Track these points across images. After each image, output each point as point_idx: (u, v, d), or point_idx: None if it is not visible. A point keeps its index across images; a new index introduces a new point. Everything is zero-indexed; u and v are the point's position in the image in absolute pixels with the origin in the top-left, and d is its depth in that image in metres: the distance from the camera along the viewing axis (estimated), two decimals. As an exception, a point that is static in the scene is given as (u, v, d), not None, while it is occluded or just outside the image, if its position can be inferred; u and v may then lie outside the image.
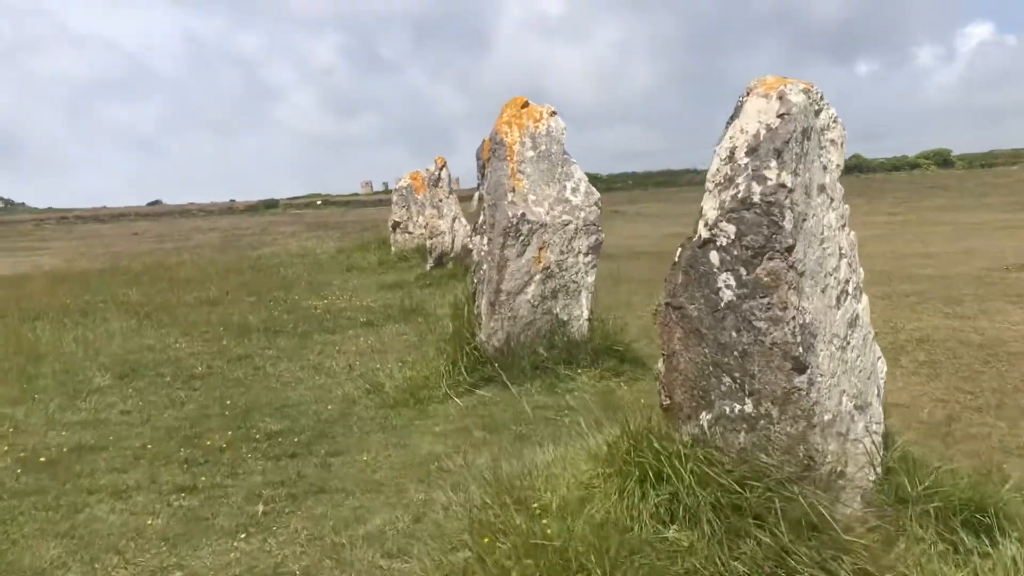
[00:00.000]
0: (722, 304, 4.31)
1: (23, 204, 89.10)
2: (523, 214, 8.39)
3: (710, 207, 4.37)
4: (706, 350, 4.44)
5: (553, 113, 8.92)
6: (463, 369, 8.24)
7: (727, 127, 4.48)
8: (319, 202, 67.08)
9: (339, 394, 8.33)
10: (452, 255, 16.66)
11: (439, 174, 16.74)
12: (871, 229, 24.33)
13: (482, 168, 9.19)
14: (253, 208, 69.76)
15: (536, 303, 8.44)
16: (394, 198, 21.20)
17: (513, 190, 8.51)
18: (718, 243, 4.30)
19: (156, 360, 10.09)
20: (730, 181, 4.27)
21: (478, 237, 9.17)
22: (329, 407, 7.88)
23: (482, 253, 8.94)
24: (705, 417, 4.49)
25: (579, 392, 7.81)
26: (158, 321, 12.68)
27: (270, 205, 68.71)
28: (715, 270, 4.32)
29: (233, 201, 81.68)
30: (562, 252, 8.53)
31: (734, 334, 4.28)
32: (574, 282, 8.60)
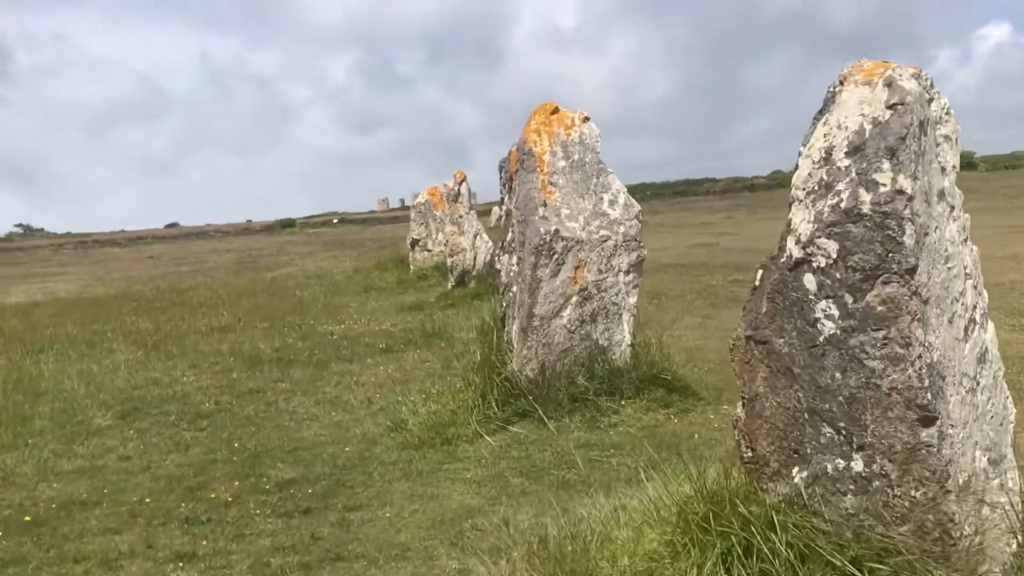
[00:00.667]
0: (821, 339, 3.51)
1: (42, 230, 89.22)
2: (556, 230, 7.60)
3: (802, 220, 3.57)
4: (800, 394, 3.63)
5: (586, 119, 8.14)
6: (494, 402, 7.45)
7: (815, 124, 3.68)
8: (335, 220, 66.68)
9: (357, 433, 7.55)
10: (474, 273, 15.90)
11: (458, 189, 16.01)
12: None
13: (508, 181, 8.42)
14: (270, 228, 69.44)
15: (573, 328, 7.64)
16: (412, 215, 20.50)
17: (544, 204, 7.72)
18: (815, 264, 3.50)
19: (161, 396, 9.36)
20: (828, 188, 3.47)
21: (506, 256, 8.40)
22: (347, 449, 7.10)
23: (511, 274, 8.16)
24: (799, 475, 3.68)
25: (624, 427, 7.02)
26: (166, 352, 11.97)
27: (287, 225, 68.37)
28: (811, 297, 3.53)
29: (250, 221, 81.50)
30: (600, 271, 7.73)
31: (837, 375, 3.47)
32: (614, 304, 7.79)
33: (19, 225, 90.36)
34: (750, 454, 3.91)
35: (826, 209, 3.46)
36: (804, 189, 3.60)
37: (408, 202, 55.40)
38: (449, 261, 15.99)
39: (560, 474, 6.05)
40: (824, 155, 3.54)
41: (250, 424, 8.12)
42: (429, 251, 19.98)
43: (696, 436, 6.69)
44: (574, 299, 7.64)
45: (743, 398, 3.93)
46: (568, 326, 7.62)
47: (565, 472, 6.07)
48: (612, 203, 7.88)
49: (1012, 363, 8.36)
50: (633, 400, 7.41)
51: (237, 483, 6.38)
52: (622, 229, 7.83)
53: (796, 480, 3.70)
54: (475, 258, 15.89)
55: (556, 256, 7.58)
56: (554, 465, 6.24)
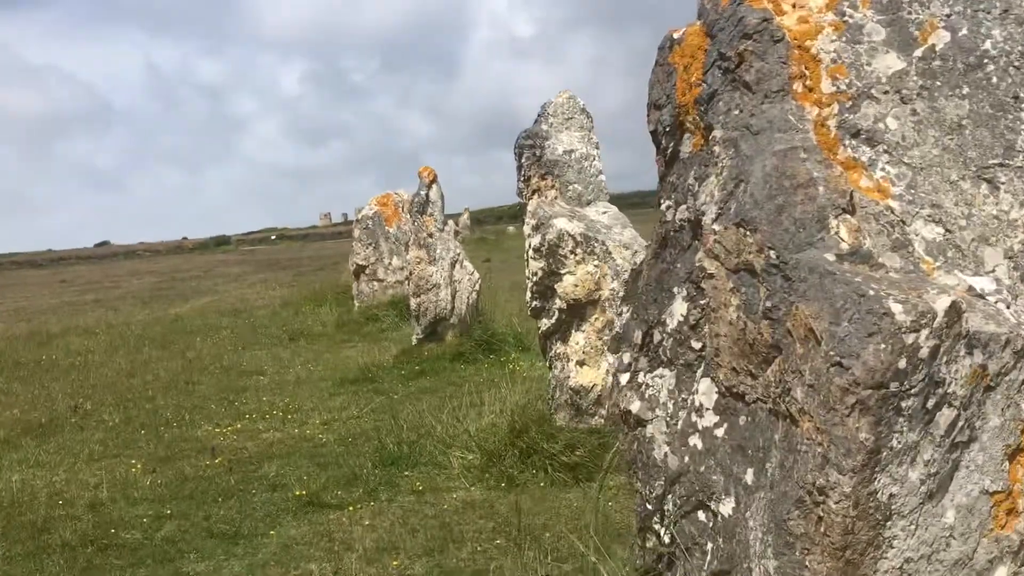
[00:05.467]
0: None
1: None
2: (955, 304, 1.83)
3: None
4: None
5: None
6: None
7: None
8: (274, 237, 60.15)
9: None
10: (452, 320, 10.05)
11: (426, 195, 10.12)
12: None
13: (668, 150, 2.60)
14: (203, 246, 62.58)
15: None
16: (356, 232, 14.55)
17: (848, 202, 1.96)
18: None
19: None
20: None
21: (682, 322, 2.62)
22: None
23: (674, 397, 2.37)
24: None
25: None
26: None
27: (221, 242, 61.60)
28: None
29: (184, 239, 74.42)
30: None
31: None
32: None
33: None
34: None
35: None
36: None
37: (352, 217, 49.10)
38: (414, 302, 10.09)
39: None
40: None
41: None
42: (380, 281, 14.04)
43: None
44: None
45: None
46: None
47: None
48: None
49: None
50: None
51: None
52: None
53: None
54: (453, 297, 10.04)
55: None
56: None
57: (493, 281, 15.59)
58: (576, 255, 5.79)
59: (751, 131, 2.16)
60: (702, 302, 2.31)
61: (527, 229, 6.12)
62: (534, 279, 5.97)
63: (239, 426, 7.62)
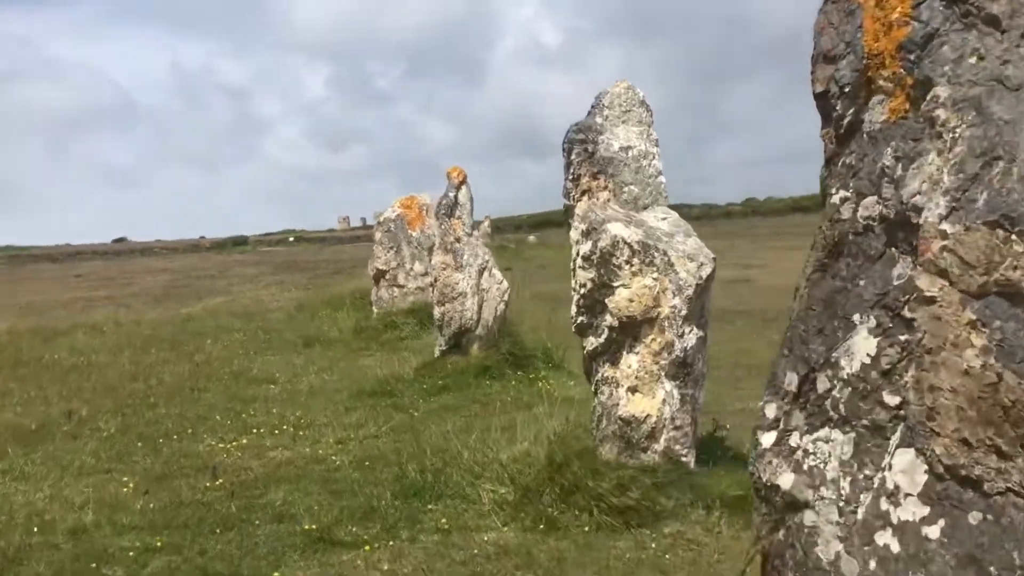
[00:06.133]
0: None
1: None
2: None
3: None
4: None
5: None
6: None
7: None
8: (292, 239, 59.59)
9: None
10: (479, 332, 9.31)
11: (455, 197, 9.40)
12: None
13: (856, 88, 1.85)
14: (220, 245, 62.07)
15: None
16: (377, 235, 13.86)
17: None
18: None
19: None
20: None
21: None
22: None
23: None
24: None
25: None
26: None
27: (239, 242, 61.08)
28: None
29: (202, 238, 73.92)
30: None
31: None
32: None
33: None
34: None
35: None
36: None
37: (370, 220, 48.28)
38: (438, 311, 9.36)
39: None
40: None
41: None
42: (401, 287, 13.34)
43: None
44: None
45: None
46: None
47: None
48: None
49: None
50: None
51: None
52: None
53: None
54: (480, 307, 9.30)
55: None
56: None
57: (514, 291, 14.85)
58: (632, 265, 5.04)
59: (1007, 85, 1.42)
60: (905, 337, 1.57)
61: (574, 235, 5.38)
62: (582, 291, 5.23)
63: (245, 442, 6.91)
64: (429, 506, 5.19)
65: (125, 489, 5.79)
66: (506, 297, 9.33)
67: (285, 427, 7.26)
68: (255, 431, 7.21)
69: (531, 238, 43.47)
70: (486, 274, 9.30)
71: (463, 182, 9.46)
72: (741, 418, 7.34)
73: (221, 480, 5.87)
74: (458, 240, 9.27)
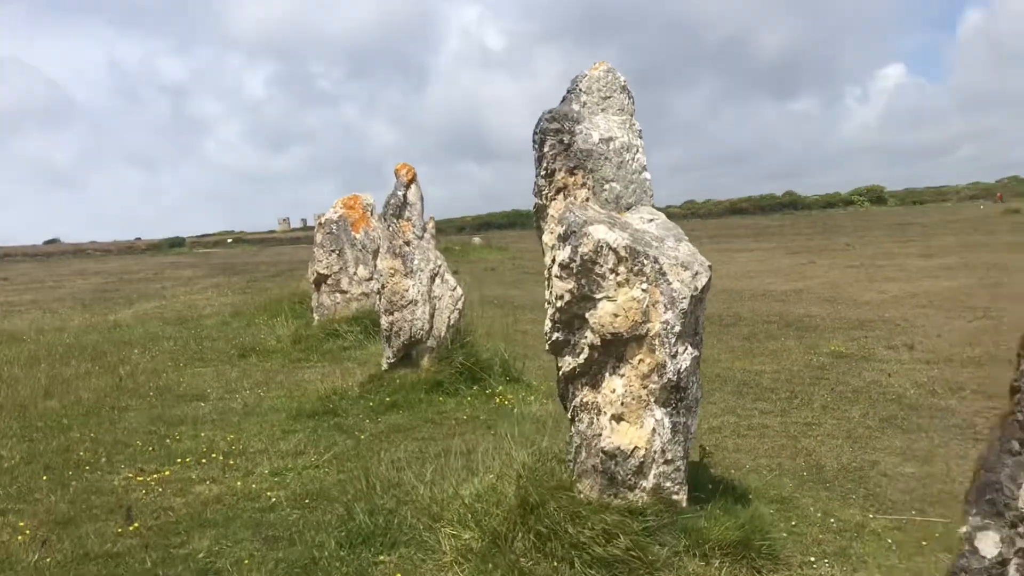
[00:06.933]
0: None
1: (-100, 243, 76.83)
2: None
3: None
4: None
5: None
6: None
7: None
8: (230, 240, 57.86)
9: None
10: (430, 343, 8.51)
11: (404, 196, 8.58)
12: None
13: None
14: (156, 247, 60.03)
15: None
16: (317, 237, 12.93)
17: None
18: None
19: None
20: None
21: None
22: None
23: None
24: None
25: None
26: None
27: (175, 243, 59.12)
28: None
29: (137, 239, 71.57)
30: None
31: None
32: None
33: None
34: None
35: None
36: None
37: (312, 223, 47.00)
38: (385, 321, 8.52)
39: None
40: None
41: None
42: (344, 293, 12.45)
43: None
44: None
45: None
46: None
47: None
48: None
49: None
50: None
51: None
52: None
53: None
54: (431, 317, 8.49)
55: None
56: None
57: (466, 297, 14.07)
58: (618, 275, 4.31)
59: None
60: None
61: (548, 239, 4.64)
62: (558, 304, 4.48)
63: (167, 473, 6.01)
64: (380, 556, 4.40)
65: (20, 537, 4.88)
66: (460, 304, 8.55)
67: (214, 455, 6.38)
68: (180, 460, 6.32)
69: (476, 239, 42.72)
70: (438, 280, 8.51)
71: (412, 180, 8.66)
72: (718, 437, 6.69)
73: (136, 524, 4.99)
74: (407, 243, 8.46)
